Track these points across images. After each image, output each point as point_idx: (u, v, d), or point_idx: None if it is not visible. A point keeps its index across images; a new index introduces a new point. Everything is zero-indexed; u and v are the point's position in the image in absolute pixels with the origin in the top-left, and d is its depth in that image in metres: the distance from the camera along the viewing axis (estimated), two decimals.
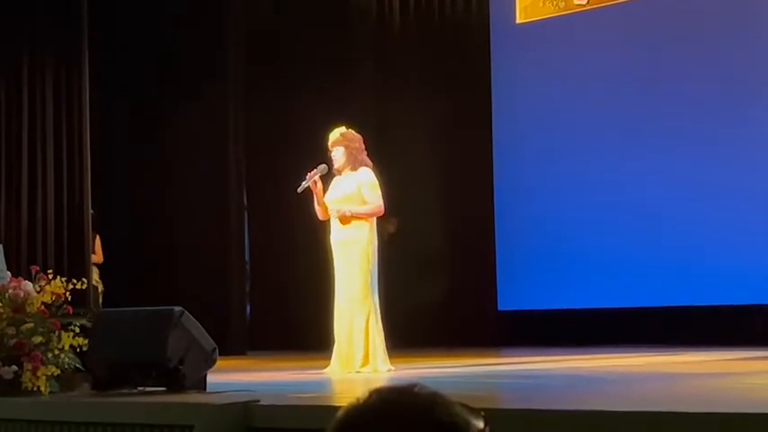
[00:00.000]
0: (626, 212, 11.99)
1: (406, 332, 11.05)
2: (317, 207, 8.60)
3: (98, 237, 11.80)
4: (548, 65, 12.73)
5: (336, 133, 8.59)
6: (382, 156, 10.18)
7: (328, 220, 8.60)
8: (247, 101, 12.99)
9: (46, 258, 9.63)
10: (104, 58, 11.79)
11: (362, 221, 8.42)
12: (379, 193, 8.45)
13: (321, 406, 5.58)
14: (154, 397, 6.26)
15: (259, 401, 5.60)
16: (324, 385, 7.64)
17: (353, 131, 8.65)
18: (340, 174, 8.56)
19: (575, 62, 12.54)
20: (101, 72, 11.05)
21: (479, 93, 12.94)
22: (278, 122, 13.31)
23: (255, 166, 13.14)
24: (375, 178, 8.51)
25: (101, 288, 11.87)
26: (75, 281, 6.70)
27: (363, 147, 8.62)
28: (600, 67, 12.38)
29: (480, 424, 1.52)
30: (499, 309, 12.76)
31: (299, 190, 8.54)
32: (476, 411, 1.54)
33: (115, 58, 12.64)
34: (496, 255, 12.81)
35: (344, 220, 8.39)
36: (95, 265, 11.61)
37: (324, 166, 8.53)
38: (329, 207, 8.48)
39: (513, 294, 12.72)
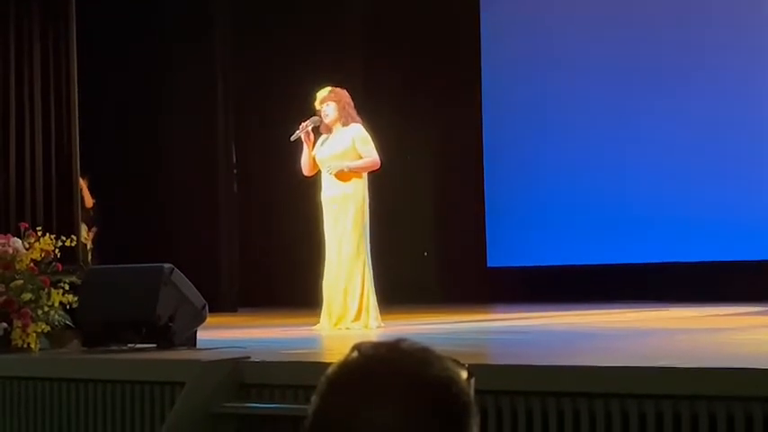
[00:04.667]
0: (616, 168, 11.96)
1: (394, 289, 11.06)
2: (303, 162, 8.57)
3: (85, 180, 11.66)
4: (536, 13, 12.66)
5: (326, 90, 8.57)
6: (369, 109, 10.14)
7: (313, 176, 8.60)
8: (235, 56, 12.92)
9: (35, 215, 9.58)
10: (91, 8, 11.68)
11: (357, 177, 8.40)
12: (373, 146, 8.45)
13: (311, 362, 5.60)
14: (144, 354, 6.28)
15: (249, 358, 5.62)
16: (314, 342, 7.66)
17: (341, 89, 8.65)
18: (330, 131, 8.54)
19: (564, 10, 12.46)
20: (88, 25, 10.95)
21: (468, 46, 12.85)
22: (266, 79, 13.25)
23: (244, 124, 13.09)
24: (367, 133, 8.49)
25: (90, 245, 11.86)
26: (64, 238, 6.70)
27: (352, 103, 8.61)
28: (589, 15, 12.30)
29: (465, 375, 1.53)
30: (488, 265, 12.76)
31: (292, 138, 8.51)
32: (460, 363, 1.55)
33: (103, 9, 12.55)
34: (485, 211, 12.80)
35: (343, 176, 8.37)
36: (86, 219, 11.56)
37: (317, 117, 8.51)
38: (323, 165, 8.45)
39: (502, 251, 12.73)
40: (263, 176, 13.15)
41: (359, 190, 8.38)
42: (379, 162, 8.43)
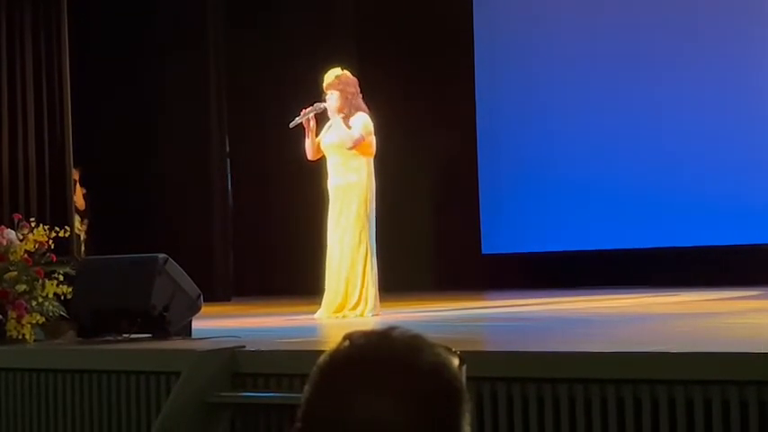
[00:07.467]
0: (611, 155, 11.95)
1: (388, 277, 11.05)
2: (307, 146, 8.46)
3: (77, 171, 11.63)
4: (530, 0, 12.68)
5: (331, 75, 8.40)
6: (365, 93, 10.13)
7: (317, 160, 8.54)
8: (228, 44, 12.88)
9: (28, 206, 9.57)
10: None
11: (361, 165, 8.29)
12: (367, 134, 8.29)
13: (306, 351, 5.59)
14: (139, 344, 6.28)
15: (245, 347, 5.62)
16: (310, 330, 7.64)
17: (349, 74, 8.48)
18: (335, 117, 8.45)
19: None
20: (79, 13, 10.94)
21: (461, 29, 12.79)
22: (260, 67, 13.22)
23: (237, 111, 13.06)
24: (370, 121, 8.36)
25: (83, 236, 11.85)
26: (57, 229, 6.69)
27: (359, 90, 8.44)
28: (583, 3, 12.29)
29: (456, 361, 1.53)
30: (483, 252, 12.75)
31: (291, 125, 8.40)
32: (452, 350, 1.55)
33: None
34: (480, 198, 12.79)
35: (347, 164, 8.27)
36: (79, 211, 11.55)
37: (320, 104, 8.35)
38: (327, 152, 8.34)
39: (497, 238, 12.72)
40: (257, 164, 13.12)
41: (363, 179, 8.29)
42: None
